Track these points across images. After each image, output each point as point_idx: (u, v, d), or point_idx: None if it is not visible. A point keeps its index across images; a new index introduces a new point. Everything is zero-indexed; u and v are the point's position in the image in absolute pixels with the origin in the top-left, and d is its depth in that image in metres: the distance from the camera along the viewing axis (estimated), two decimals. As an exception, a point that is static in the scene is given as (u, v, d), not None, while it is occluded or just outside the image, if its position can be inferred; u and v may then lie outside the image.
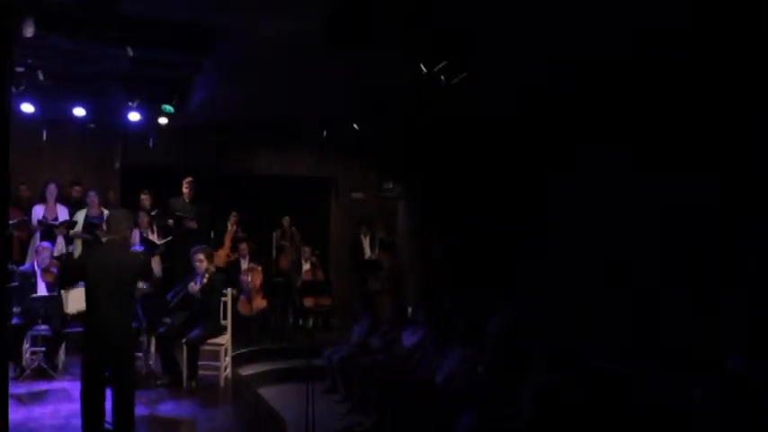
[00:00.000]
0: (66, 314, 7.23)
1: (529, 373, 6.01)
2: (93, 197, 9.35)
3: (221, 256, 10.24)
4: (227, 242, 10.68)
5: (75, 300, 6.70)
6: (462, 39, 5.73)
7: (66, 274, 5.28)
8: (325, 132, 9.44)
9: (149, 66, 7.49)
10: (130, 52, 6.37)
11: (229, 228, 10.80)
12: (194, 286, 7.29)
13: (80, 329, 7.01)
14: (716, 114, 5.98)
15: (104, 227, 5.26)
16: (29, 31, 5.86)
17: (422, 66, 5.42)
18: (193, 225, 9.77)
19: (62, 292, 6.76)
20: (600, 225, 7.71)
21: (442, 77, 5.54)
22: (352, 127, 8.96)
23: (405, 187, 11.22)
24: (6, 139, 2.91)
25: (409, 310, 8.41)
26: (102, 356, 4.85)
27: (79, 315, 6.90)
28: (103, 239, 8.85)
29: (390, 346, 7.83)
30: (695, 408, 4.38)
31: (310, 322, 7.31)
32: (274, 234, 11.23)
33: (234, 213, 10.78)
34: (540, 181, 8.68)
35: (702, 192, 6.08)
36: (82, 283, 5.89)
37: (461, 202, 10.00)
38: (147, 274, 5.52)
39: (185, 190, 9.88)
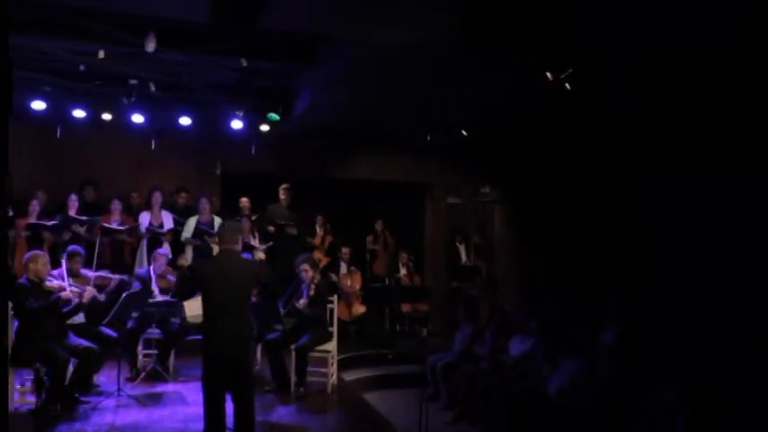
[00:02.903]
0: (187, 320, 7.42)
1: (651, 384, 5.84)
2: (204, 204, 9.58)
3: (313, 260, 10.31)
4: (318, 245, 10.77)
5: (193, 306, 6.84)
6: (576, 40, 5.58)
7: (183, 288, 5.39)
8: (428, 137, 9.39)
9: (257, 75, 7.63)
10: (244, 63, 6.49)
11: (318, 231, 10.90)
12: (303, 302, 7.37)
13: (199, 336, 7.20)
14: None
15: (217, 239, 5.34)
16: (150, 47, 6.04)
17: (548, 74, 5.30)
18: (294, 231, 9.91)
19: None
20: (714, 225, 7.39)
21: (567, 85, 5.41)
22: (453, 132, 8.88)
23: (502, 191, 11.06)
24: (6, 140, 2.99)
25: (511, 316, 8.26)
26: (221, 366, 4.92)
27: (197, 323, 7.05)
28: (217, 249, 9.18)
29: (496, 354, 7.71)
30: None
31: (424, 331, 7.25)
32: (367, 238, 11.29)
33: (319, 217, 10.87)
34: (646, 181, 8.39)
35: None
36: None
37: (562, 205, 9.77)
38: (265, 279, 5.58)
39: (282, 196, 10.03)
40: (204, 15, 4.76)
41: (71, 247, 7.40)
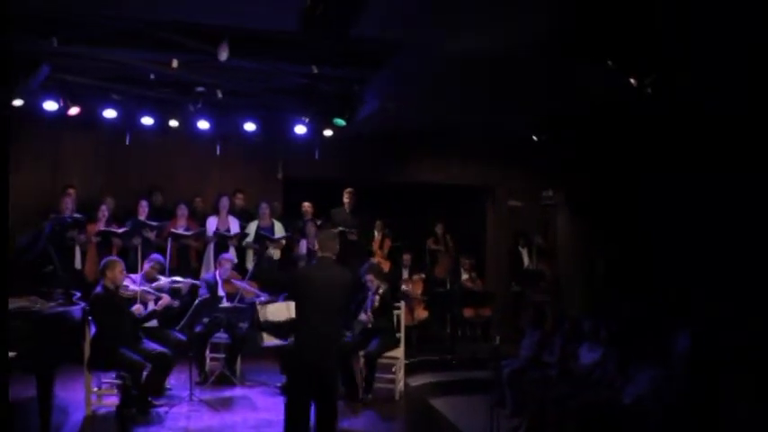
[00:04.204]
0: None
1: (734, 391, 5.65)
2: (264, 209, 9.66)
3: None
4: (376, 249, 10.74)
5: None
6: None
7: (276, 284, 5.49)
8: (495, 141, 9.30)
9: (324, 80, 7.64)
10: (315, 70, 6.50)
11: (376, 236, 10.86)
12: (365, 316, 7.32)
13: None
14: None
15: (317, 246, 5.39)
16: (223, 56, 6.09)
17: (632, 80, 5.18)
18: (354, 237, 9.87)
19: (257, 306, 7.01)
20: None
21: (649, 90, 5.27)
22: (522, 136, 8.77)
23: (565, 194, 10.87)
24: (6, 142, 3.05)
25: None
26: (309, 373, 4.93)
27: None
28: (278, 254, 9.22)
29: (565, 361, 7.57)
30: None
31: (497, 339, 7.16)
32: (428, 240, 11.21)
33: (380, 222, 10.83)
34: (719, 183, 8.13)
35: None
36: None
37: (628, 208, 9.56)
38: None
39: (346, 200, 10.02)
40: (287, 25, 4.77)
41: (154, 255, 7.57)
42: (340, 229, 9.71)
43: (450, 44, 5.48)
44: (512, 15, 4.79)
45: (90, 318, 6.42)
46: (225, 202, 9.63)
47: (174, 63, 6.62)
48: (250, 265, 9.36)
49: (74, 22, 5.90)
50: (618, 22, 4.73)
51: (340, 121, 8.15)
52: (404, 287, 9.94)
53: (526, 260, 11.03)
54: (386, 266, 10.49)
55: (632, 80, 5.20)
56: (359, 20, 4.07)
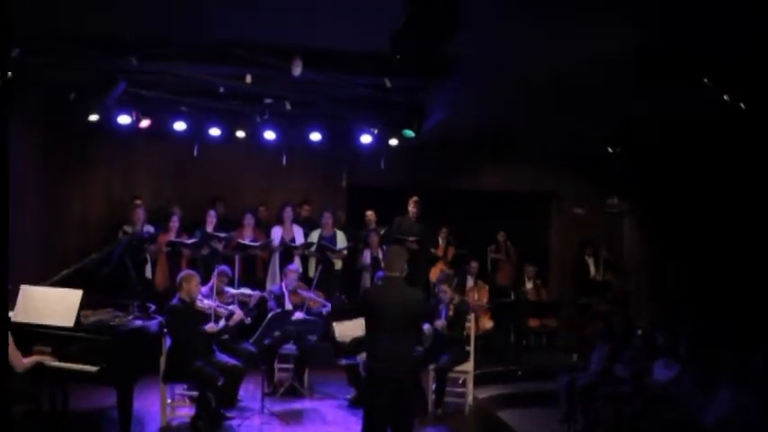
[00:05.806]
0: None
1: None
2: (327, 218, 9.63)
3: (434, 274, 10.18)
4: (440, 256, 10.64)
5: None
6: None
7: (349, 315, 5.51)
8: (562, 148, 9.12)
9: (392, 91, 7.59)
10: (388, 84, 6.47)
11: (440, 243, 10.76)
12: (441, 323, 7.22)
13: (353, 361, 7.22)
14: None
15: (383, 264, 5.36)
16: (297, 71, 6.11)
17: (725, 96, 5.01)
18: (414, 246, 9.74)
19: (334, 326, 7.02)
20: None
21: (742, 105, 5.09)
22: (595, 146, 8.59)
23: (633, 202, 10.61)
24: (5, 144, 3.07)
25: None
26: (387, 389, 4.89)
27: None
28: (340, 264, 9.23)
29: (640, 377, 7.37)
30: None
31: (575, 356, 7.03)
32: (488, 249, 11.06)
33: (444, 230, 10.73)
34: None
35: None
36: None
37: (701, 218, 9.27)
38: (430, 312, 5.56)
39: (411, 209, 9.94)
40: (374, 45, 4.76)
41: (221, 268, 7.63)
42: (397, 236, 9.63)
43: (534, 57, 5.38)
44: (601, 31, 4.68)
45: (166, 330, 6.50)
46: (289, 211, 9.66)
47: (248, 78, 6.68)
48: (313, 273, 9.38)
49: (152, 40, 6.00)
50: (717, 41, 4.56)
51: (409, 132, 8.10)
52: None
53: (593, 270, 10.77)
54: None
55: (726, 96, 5.03)
56: (449, 38, 4.01)
